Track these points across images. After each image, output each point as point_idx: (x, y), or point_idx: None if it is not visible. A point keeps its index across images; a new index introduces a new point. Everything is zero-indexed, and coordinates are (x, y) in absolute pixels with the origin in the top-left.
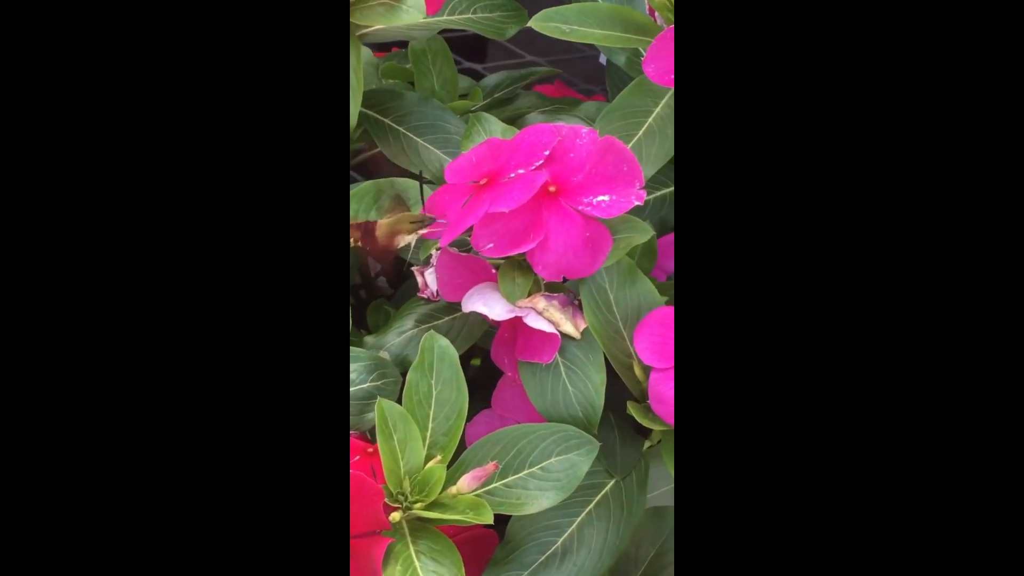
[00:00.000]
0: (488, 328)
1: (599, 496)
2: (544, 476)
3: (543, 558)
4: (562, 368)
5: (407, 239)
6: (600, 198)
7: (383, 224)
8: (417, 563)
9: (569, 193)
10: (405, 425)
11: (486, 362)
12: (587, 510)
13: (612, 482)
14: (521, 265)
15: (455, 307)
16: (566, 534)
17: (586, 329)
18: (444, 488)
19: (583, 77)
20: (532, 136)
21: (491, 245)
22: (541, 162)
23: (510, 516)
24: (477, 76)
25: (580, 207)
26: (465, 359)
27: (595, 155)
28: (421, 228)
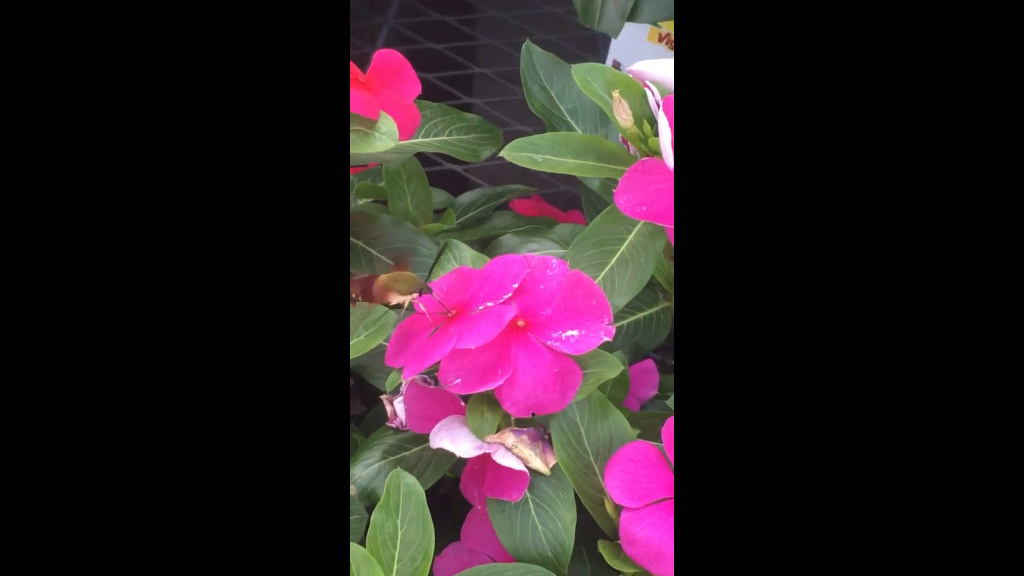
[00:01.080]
0: (458, 461)
1: None
2: None
3: None
4: (531, 506)
5: (400, 299)
6: (569, 333)
7: (381, 279)
8: None
9: (538, 328)
10: (369, 568)
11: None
12: None
13: None
14: (490, 399)
15: (424, 438)
16: None
17: (556, 465)
18: None
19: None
20: (502, 267)
21: (458, 381)
22: (510, 295)
23: None
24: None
25: (549, 342)
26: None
27: (564, 288)
28: (414, 292)
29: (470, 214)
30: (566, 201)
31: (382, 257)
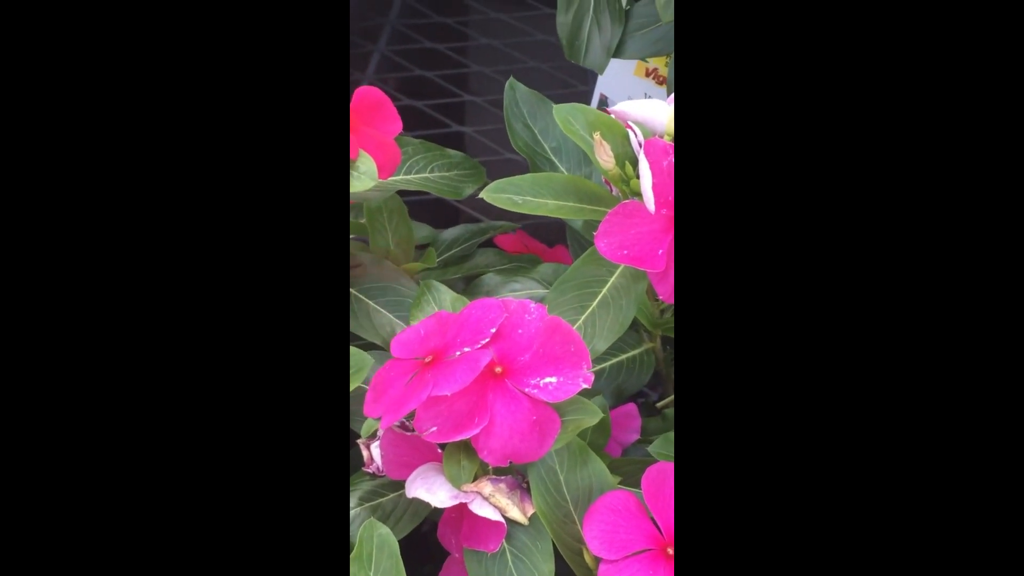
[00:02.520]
0: (433, 511)
1: None
2: None
3: None
4: (509, 556)
5: None
6: (547, 380)
7: None
8: None
9: (515, 374)
10: None
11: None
12: None
13: None
14: (467, 447)
15: (401, 484)
16: None
17: (534, 514)
18: None
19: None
20: (479, 312)
21: (434, 429)
22: (487, 339)
23: None
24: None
25: (527, 389)
26: None
27: (543, 334)
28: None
29: (452, 251)
30: (552, 233)
31: (361, 297)
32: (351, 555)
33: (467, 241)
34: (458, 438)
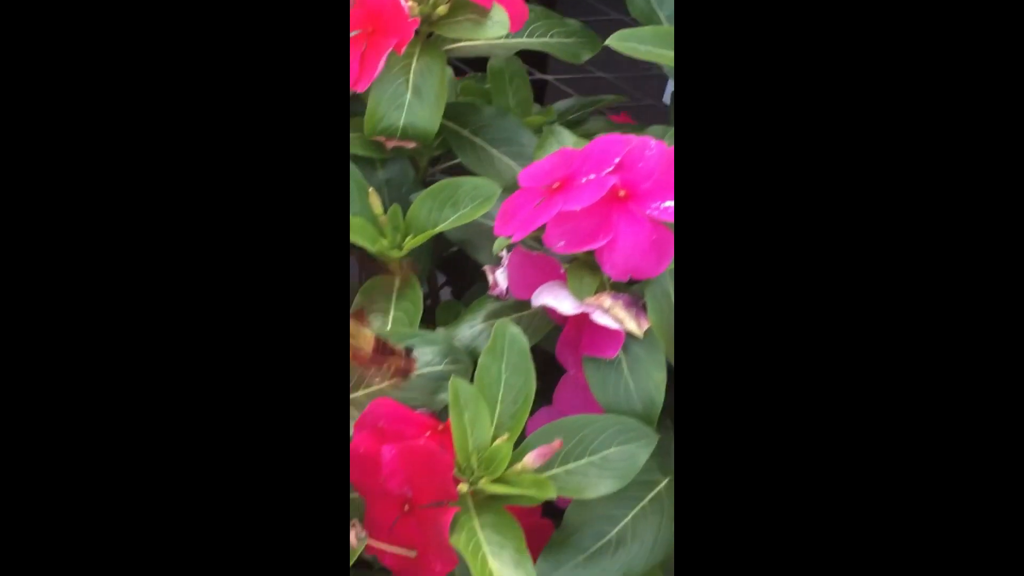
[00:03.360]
0: (553, 329)
1: (653, 493)
2: (603, 465)
3: (598, 545)
4: (624, 365)
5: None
6: (667, 204)
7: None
8: (480, 534)
9: (637, 198)
10: (476, 404)
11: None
12: (641, 505)
13: (666, 480)
14: (589, 265)
15: (524, 305)
16: (620, 525)
17: (649, 329)
18: (510, 466)
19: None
20: (603, 145)
21: (562, 243)
22: (611, 169)
23: (564, 511)
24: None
25: (648, 211)
26: None
27: (663, 165)
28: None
29: (567, 118)
30: (652, 116)
31: (486, 146)
32: (485, 348)
33: (579, 110)
34: (584, 249)
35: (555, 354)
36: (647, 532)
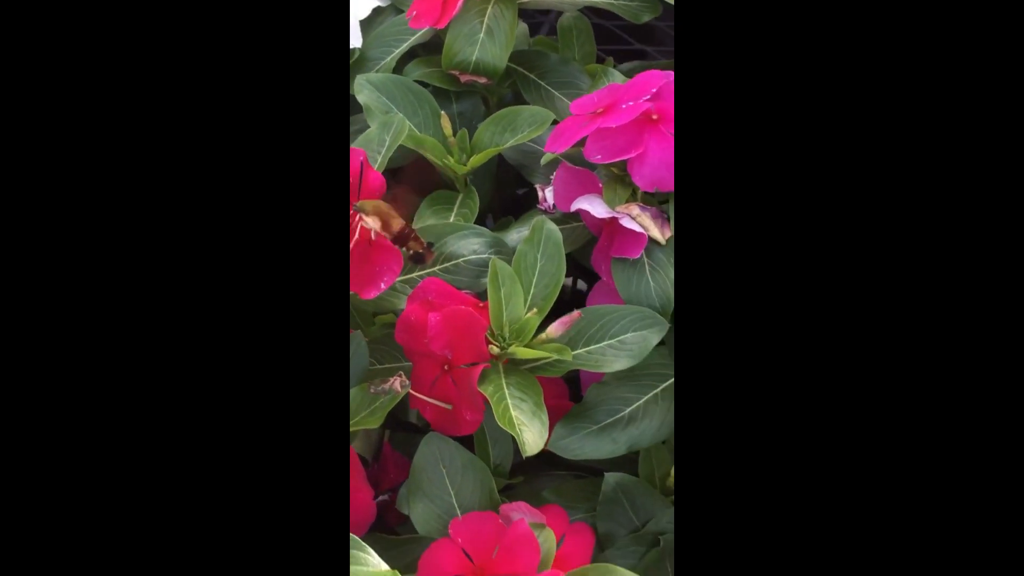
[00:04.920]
0: (589, 240)
1: (665, 384)
2: (620, 347)
3: (611, 420)
4: (647, 266)
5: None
6: None
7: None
8: (506, 389)
9: (668, 122)
10: (512, 282)
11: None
12: (654, 392)
13: None
14: (622, 179)
15: (567, 218)
16: (633, 406)
17: (671, 237)
18: (535, 335)
19: None
20: (644, 78)
21: (599, 155)
22: (648, 96)
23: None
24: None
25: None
26: None
27: None
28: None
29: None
30: None
31: (549, 88)
32: (523, 239)
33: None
34: (618, 159)
35: (590, 262)
36: (655, 414)
